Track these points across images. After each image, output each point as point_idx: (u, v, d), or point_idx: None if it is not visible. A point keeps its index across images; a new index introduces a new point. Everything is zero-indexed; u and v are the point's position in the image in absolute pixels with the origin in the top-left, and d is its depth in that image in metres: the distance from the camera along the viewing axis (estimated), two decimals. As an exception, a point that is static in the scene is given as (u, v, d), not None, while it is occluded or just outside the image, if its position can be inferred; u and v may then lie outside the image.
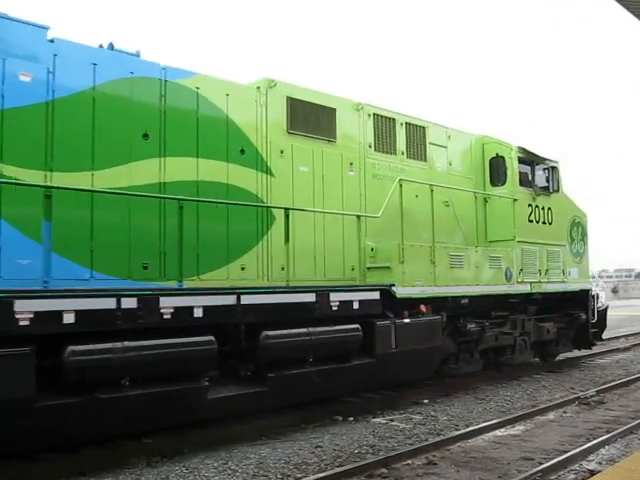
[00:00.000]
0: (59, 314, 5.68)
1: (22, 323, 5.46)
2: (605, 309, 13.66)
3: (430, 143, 10.64)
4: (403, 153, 10.17)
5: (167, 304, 6.40)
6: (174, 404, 6.50)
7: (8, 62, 6.13)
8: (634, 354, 15.31)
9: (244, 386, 7.23)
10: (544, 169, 12.18)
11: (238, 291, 7.02)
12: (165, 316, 6.39)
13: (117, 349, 6.00)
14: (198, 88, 7.63)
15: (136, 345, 6.13)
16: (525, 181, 11.65)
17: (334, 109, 9.15)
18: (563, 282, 12.21)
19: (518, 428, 7.82)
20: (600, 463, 6.27)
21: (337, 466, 6.15)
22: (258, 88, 8.32)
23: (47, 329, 5.63)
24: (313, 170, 8.79)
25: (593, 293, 13.18)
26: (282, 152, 8.44)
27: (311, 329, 7.64)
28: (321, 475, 5.75)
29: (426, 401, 9.35)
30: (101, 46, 7.19)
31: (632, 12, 12.37)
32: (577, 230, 12.95)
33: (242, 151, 7.99)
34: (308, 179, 8.71)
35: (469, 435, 7.33)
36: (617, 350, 15.87)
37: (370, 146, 9.68)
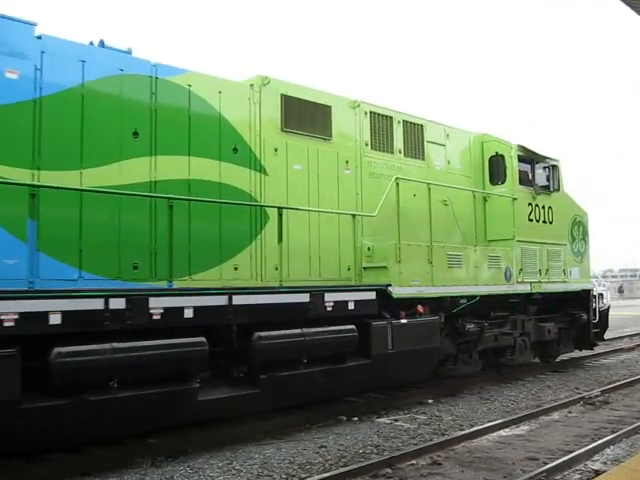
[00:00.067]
0: (45, 315, 5.58)
1: (7, 324, 5.36)
2: (607, 309, 13.52)
3: (428, 141, 10.52)
4: (400, 151, 10.04)
5: (156, 305, 6.29)
6: (164, 406, 6.40)
7: (-5, 59, 6.04)
8: (639, 354, 15.22)
9: (236, 388, 7.12)
10: (544, 168, 12.03)
11: (229, 291, 6.91)
12: (155, 317, 6.28)
13: (105, 350, 5.90)
14: (190, 85, 7.52)
15: (125, 346, 6.03)
16: (525, 180, 11.51)
17: (329, 107, 9.03)
18: (564, 282, 12.07)
19: (523, 428, 7.78)
20: (605, 463, 6.24)
21: (341, 466, 6.14)
22: (251, 85, 8.22)
23: (32, 330, 5.53)
24: (308, 168, 8.68)
25: (595, 293, 13.04)
26: (276, 150, 8.33)
27: (305, 330, 7.53)
28: (325, 475, 5.74)
29: (430, 401, 9.31)
30: (92, 43, 7.10)
31: (637, 11, 12.21)
32: (578, 229, 12.80)
33: (235, 149, 7.89)
34: (303, 178, 8.60)
35: (474, 435, 7.31)
36: (622, 350, 15.80)
37: (367, 144, 9.56)
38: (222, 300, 6.83)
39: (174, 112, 7.37)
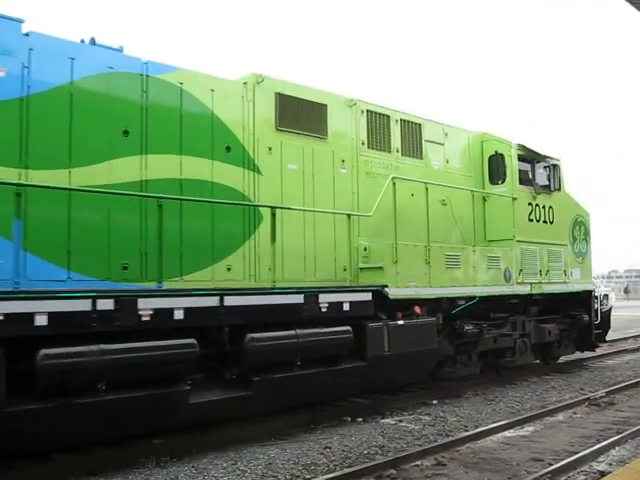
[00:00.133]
0: (31, 316, 5.48)
1: (-9, 325, 5.27)
2: (609, 310, 13.36)
3: (426, 140, 10.39)
4: (398, 150, 9.92)
5: (145, 306, 6.18)
6: (154, 409, 6.31)
7: (-19, 57, 5.95)
8: (644, 355, 15.12)
9: (229, 390, 7.01)
10: (545, 167, 11.89)
11: (220, 292, 6.80)
12: (144, 318, 6.18)
13: (93, 352, 5.80)
14: (182, 83, 7.42)
15: (113, 348, 5.92)
16: (525, 179, 11.37)
17: (325, 105, 8.91)
18: (565, 283, 11.92)
19: (527, 429, 7.75)
20: (610, 464, 6.20)
21: (346, 467, 6.13)
22: (245, 84, 8.11)
23: (18, 331, 5.43)
24: (303, 168, 8.56)
25: (596, 294, 12.89)
26: (270, 149, 8.22)
27: (299, 331, 7.41)
28: (330, 476, 5.73)
29: (435, 402, 9.26)
30: (83, 41, 7.01)
31: (638, 7, 12.06)
32: (579, 229, 12.64)
33: (228, 148, 7.78)
34: (298, 177, 8.49)
35: (478, 436, 7.28)
36: (626, 351, 15.73)
37: (363, 143, 9.44)
38: (213, 301, 6.73)
39: (165, 110, 7.26)
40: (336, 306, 7.86)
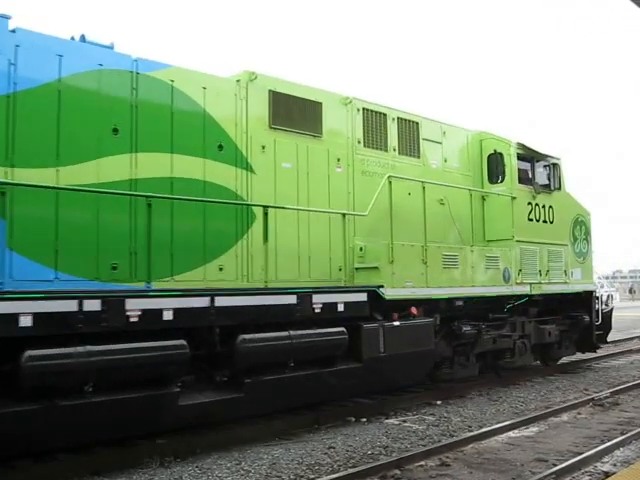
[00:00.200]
0: (15, 317, 5.38)
1: (-26, 327, 5.18)
2: (610, 311, 13.21)
3: (424, 139, 10.26)
4: (395, 149, 9.79)
5: (133, 307, 6.08)
6: (142, 411, 6.21)
7: (-35, 53, 5.86)
8: (649, 355, 15.03)
9: (220, 392, 6.91)
10: (545, 166, 11.76)
11: (211, 293, 6.70)
12: (132, 319, 6.07)
13: (79, 353, 5.70)
14: (173, 81, 7.31)
15: (100, 349, 5.83)
16: (525, 178, 11.25)
17: (320, 103, 8.79)
18: (565, 283, 11.78)
19: (532, 429, 7.73)
20: (615, 465, 6.19)
21: (350, 467, 6.11)
22: (238, 81, 7.99)
23: (1, 332, 5.32)
24: (297, 166, 8.44)
25: (598, 294, 12.74)
26: (264, 148, 8.10)
27: (292, 332, 7.30)
28: (334, 476, 5.72)
29: (439, 402, 9.23)
30: (73, 38, 6.92)
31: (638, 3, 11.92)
32: (580, 229, 12.49)
33: (220, 147, 7.66)
34: (292, 176, 8.37)
35: (482, 436, 7.26)
36: (631, 351, 15.65)
37: (359, 142, 9.31)
38: (203, 302, 6.62)
39: (156, 108, 7.15)
40: (330, 307, 7.74)
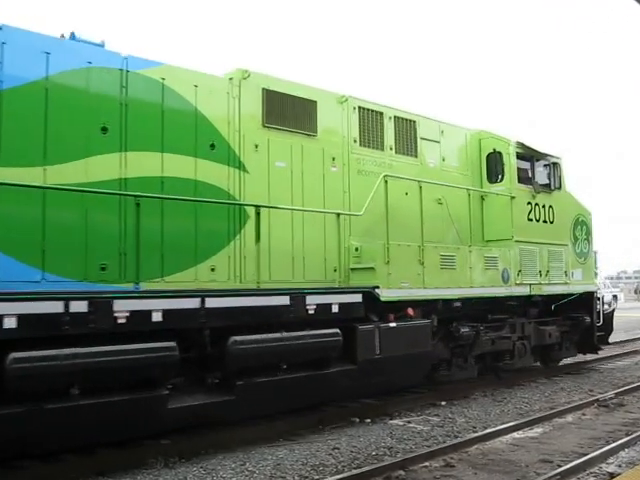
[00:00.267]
0: (-2, 318, 5.29)
1: (-44, 328, 5.08)
2: (612, 312, 13.05)
3: (421, 138, 10.13)
4: (391, 148, 9.67)
5: (121, 308, 5.96)
6: (130, 414, 6.09)
7: (-50, 51, 5.77)
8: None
9: (211, 395, 6.79)
10: (545, 165, 11.62)
11: (201, 294, 6.58)
12: (119, 320, 5.96)
13: (65, 356, 5.59)
14: (164, 79, 7.21)
15: (87, 351, 5.72)
16: (524, 178, 11.10)
17: (315, 101, 8.67)
18: (565, 284, 11.63)
19: (536, 430, 7.70)
20: (620, 466, 6.17)
21: (354, 468, 6.11)
22: (231, 79, 7.88)
23: (-16, 334, 5.23)
24: (291, 166, 8.33)
25: (599, 295, 12.58)
26: (257, 147, 7.99)
27: (285, 334, 7.18)
28: (338, 477, 5.71)
29: (443, 403, 9.18)
30: (62, 36, 6.82)
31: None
32: (581, 229, 12.33)
33: (212, 146, 7.56)
34: (286, 175, 8.25)
35: (487, 437, 7.24)
36: (636, 352, 15.51)
37: (355, 141, 9.19)
38: (194, 303, 6.50)
39: (146, 106, 7.06)
40: (324, 308, 7.62)
